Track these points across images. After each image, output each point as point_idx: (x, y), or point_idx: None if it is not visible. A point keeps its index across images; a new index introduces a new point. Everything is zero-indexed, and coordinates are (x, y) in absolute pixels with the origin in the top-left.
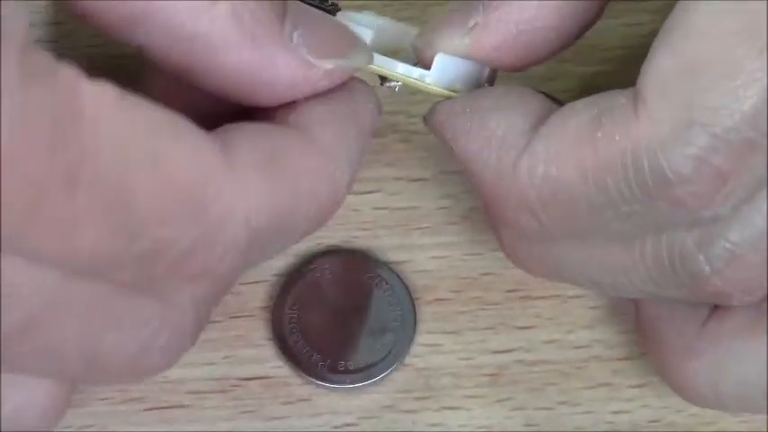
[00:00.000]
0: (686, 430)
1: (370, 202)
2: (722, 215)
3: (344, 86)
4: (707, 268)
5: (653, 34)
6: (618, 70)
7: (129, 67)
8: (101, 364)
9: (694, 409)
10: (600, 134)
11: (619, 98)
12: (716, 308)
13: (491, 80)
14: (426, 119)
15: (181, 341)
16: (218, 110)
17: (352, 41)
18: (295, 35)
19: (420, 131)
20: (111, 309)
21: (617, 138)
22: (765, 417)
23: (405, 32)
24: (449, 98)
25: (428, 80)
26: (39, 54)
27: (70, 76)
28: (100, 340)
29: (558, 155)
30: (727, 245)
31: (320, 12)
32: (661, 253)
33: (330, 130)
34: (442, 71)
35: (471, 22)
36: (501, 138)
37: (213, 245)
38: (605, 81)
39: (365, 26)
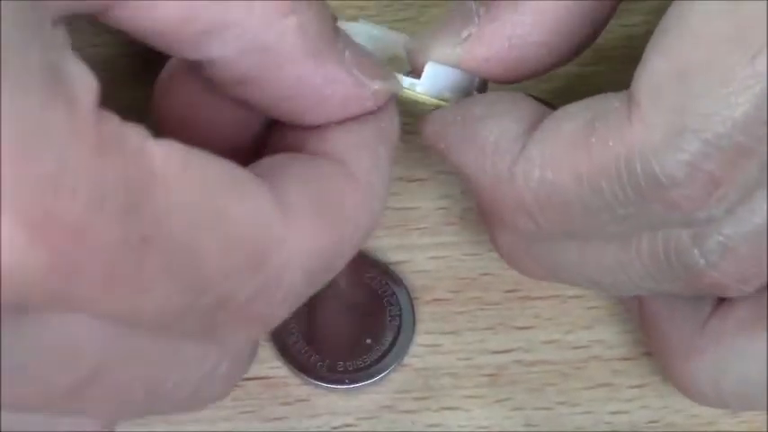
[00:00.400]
0: (685, 431)
1: None
2: (716, 216)
3: None
4: (702, 261)
5: (650, 34)
6: (615, 70)
7: (130, 66)
8: (163, 400)
9: (694, 410)
10: (594, 139)
11: (613, 102)
12: (717, 306)
13: (482, 88)
14: (421, 128)
15: (239, 369)
16: (245, 126)
17: (383, 65)
18: (347, 54)
19: (418, 132)
20: (175, 354)
21: (611, 143)
22: (765, 417)
23: (399, 41)
24: (439, 108)
25: (418, 89)
26: (109, 119)
27: (139, 138)
28: (164, 381)
29: (553, 159)
30: (721, 238)
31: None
32: (657, 248)
33: (366, 156)
34: (433, 80)
35: (465, 33)
36: (494, 144)
37: (273, 293)
38: (602, 81)
39: (358, 35)
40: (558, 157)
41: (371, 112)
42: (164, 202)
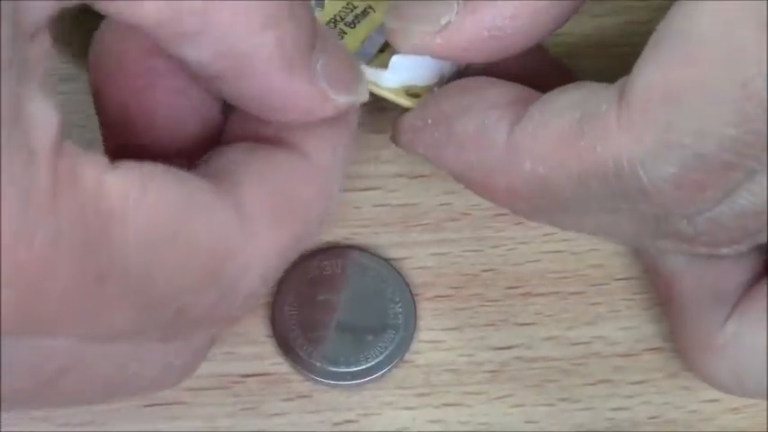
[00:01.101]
0: (686, 427)
1: (370, 199)
2: (702, 211)
3: None
4: (691, 230)
5: (651, 32)
6: (619, 67)
7: None
8: (121, 391)
9: (694, 406)
10: (583, 143)
11: (600, 104)
12: (737, 305)
13: (454, 75)
14: (393, 140)
15: (197, 360)
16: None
17: (359, 74)
18: (319, 64)
19: None
20: (137, 353)
21: (599, 149)
22: (766, 412)
23: None
24: (406, 109)
25: (387, 83)
26: (67, 155)
27: (95, 173)
28: (123, 375)
29: (543, 155)
30: (710, 215)
31: (343, 47)
32: (647, 220)
33: (326, 146)
34: (400, 71)
35: (444, 20)
36: (474, 138)
37: (233, 299)
38: (606, 79)
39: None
40: (548, 154)
41: None
42: (120, 236)
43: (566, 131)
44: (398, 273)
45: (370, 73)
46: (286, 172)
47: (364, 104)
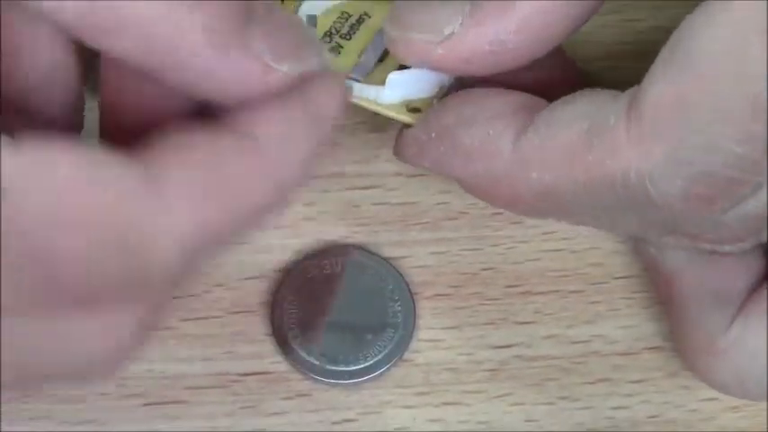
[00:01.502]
0: (686, 426)
1: (369, 197)
2: (710, 219)
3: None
4: (695, 229)
5: (652, 30)
6: (617, 66)
7: None
8: (35, 379)
9: (694, 405)
10: (591, 156)
11: (609, 116)
12: (741, 308)
13: (451, 87)
14: (397, 155)
15: (123, 352)
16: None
17: (307, 40)
18: (258, 38)
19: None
20: (51, 331)
21: (608, 162)
22: (766, 412)
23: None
24: (407, 125)
25: (385, 99)
26: None
27: None
28: (37, 362)
29: (551, 165)
30: (716, 217)
31: (285, 14)
32: (653, 222)
33: (276, 130)
34: (397, 88)
35: (448, 30)
36: (480, 148)
37: (145, 273)
38: (605, 77)
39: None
40: (555, 164)
41: (299, 89)
42: (13, 214)
43: (573, 143)
44: (397, 271)
45: (369, 91)
46: (225, 151)
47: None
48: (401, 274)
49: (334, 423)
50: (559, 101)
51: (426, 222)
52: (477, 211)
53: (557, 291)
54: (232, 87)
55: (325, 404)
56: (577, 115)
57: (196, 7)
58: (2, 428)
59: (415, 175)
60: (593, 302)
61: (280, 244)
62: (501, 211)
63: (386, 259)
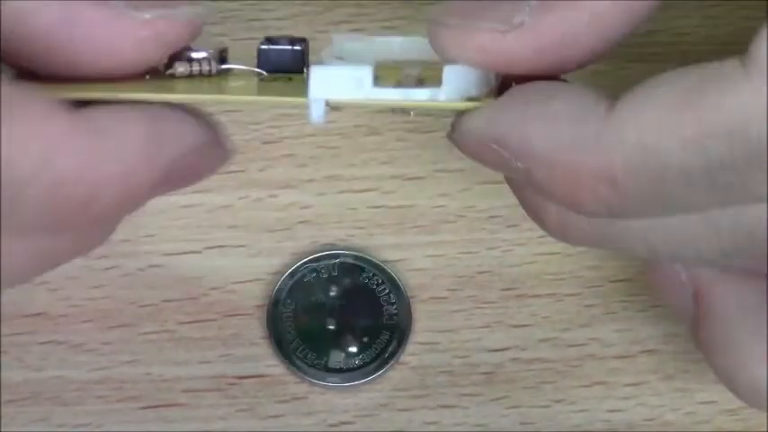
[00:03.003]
0: (682, 429)
1: (365, 200)
2: None
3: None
4: None
5: (652, 33)
6: (615, 68)
7: None
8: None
9: (690, 408)
10: (704, 101)
11: (722, 68)
12: None
13: (498, 83)
14: (456, 136)
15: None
16: None
17: None
18: None
19: (416, 130)
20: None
21: (725, 105)
22: (764, 414)
23: (401, 44)
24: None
25: (442, 97)
26: None
27: None
28: None
29: (653, 123)
30: None
31: None
32: (739, 227)
33: (125, 127)
34: (455, 83)
35: (517, 19)
36: (571, 113)
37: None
38: (607, 78)
39: (360, 49)
40: (659, 120)
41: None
42: None
43: (682, 93)
44: (394, 274)
45: (423, 94)
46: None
47: (359, 108)
48: (397, 277)
49: (330, 426)
50: (652, 78)
51: (423, 225)
52: (473, 215)
53: (553, 294)
54: (89, 43)
55: (322, 407)
56: (683, 73)
57: None
58: (2, 430)
59: (411, 179)
60: (588, 305)
61: (276, 247)
62: (497, 214)
63: (382, 262)
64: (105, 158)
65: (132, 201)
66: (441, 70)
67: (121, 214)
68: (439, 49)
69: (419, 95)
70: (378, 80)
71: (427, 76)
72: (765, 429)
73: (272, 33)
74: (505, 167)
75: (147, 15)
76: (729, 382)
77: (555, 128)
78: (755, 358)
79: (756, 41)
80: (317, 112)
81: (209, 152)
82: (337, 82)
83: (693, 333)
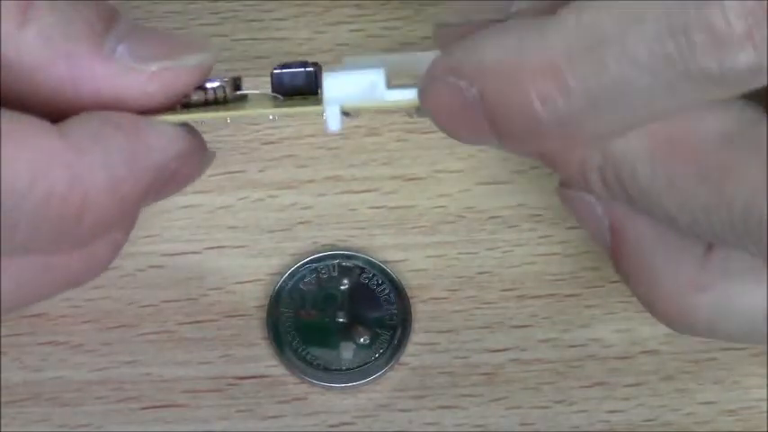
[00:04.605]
0: (682, 429)
1: (365, 201)
2: (762, 66)
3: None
4: None
5: None
6: None
7: None
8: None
9: (690, 408)
10: None
11: None
12: (714, 246)
13: None
14: (419, 92)
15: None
16: None
17: (189, 45)
18: (120, 47)
19: (415, 130)
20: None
21: None
22: (764, 415)
23: (415, 60)
24: None
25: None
26: None
27: None
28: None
29: (593, 3)
30: None
31: (155, 28)
32: (752, 213)
33: (88, 131)
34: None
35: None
36: (519, 25)
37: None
38: None
39: (373, 66)
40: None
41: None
42: None
43: None
44: (394, 275)
45: (396, 93)
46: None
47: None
48: (397, 278)
49: (330, 426)
50: None
51: (423, 226)
52: (473, 215)
53: (552, 294)
54: (96, 94)
55: (322, 407)
56: None
57: (24, 18)
58: (2, 430)
59: (411, 179)
60: (588, 306)
61: (276, 247)
62: (497, 215)
63: (382, 263)
64: (93, 169)
65: (123, 210)
66: None
67: (117, 226)
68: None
69: (392, 96)
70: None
71: None
72: (765, 429)
73: (272, 34)
74: (466, 113)
75: (154, 68)
76: (650, 309)
77: (504, 37)
78: (678, 288)
79: None
80: (333, 120)
81: (192, 157)
82: (351, 87)
83: (612, 260)
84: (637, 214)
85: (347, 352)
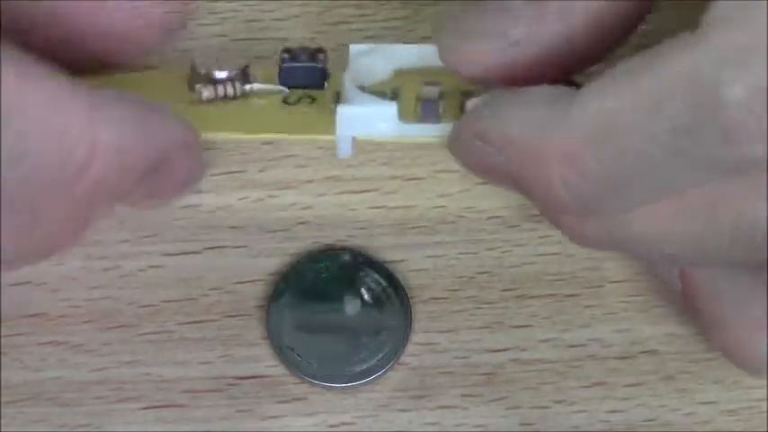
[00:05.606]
0: (682, 429)
1: (365, 201)
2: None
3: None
4: None
5: (653, 33)
6: None
7: None
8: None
9: (690, 408)
10: (656, 64)
11: (676, 36)
12: None
13: None
14: (448, 141)
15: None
16: None
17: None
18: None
19: None
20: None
21: (673, 63)
22: (764, 416)
23: (420, 52)
24: None
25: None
26: None
27: None
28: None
29: (611, 91)
30: None
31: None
32: (740, 227)
33: (103, 91)
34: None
35: (514, 34)
36: (543, 100)
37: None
38: None
39: (378, 62)
40: (616, 87)
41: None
42: None
43: (638, 60)
44: (394, 275)
45: (447, 128)
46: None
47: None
48: (397, 278)
49: (330, 426)
50: None
51: (423, 226)
52: (473, 215)
53: (552, 294)
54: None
55: (322, 407)
56: (641, 51)
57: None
58: (2, 430)
59: (411, 179)
60: (588, 306)
61: (276, 247)
62: (497, 215)
63: (382, 263)
64: (104, 123)
65: (122, 184)
66: (460, 80)
67: (108, 200)
68: (450, 67)
69: (444, 130)
70: (398, 97)
71: (448, 91)
72: (765, 430)
73: (272, 34)
74: (493, 170)
75: None
76: (727, 355)
77: (529, 112)
78: (747, 331)
79: (706, 12)
80: (344, 149)
81: (191, 156)
82: (364, 120)
83: (686, 308)
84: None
85: (347, 351)
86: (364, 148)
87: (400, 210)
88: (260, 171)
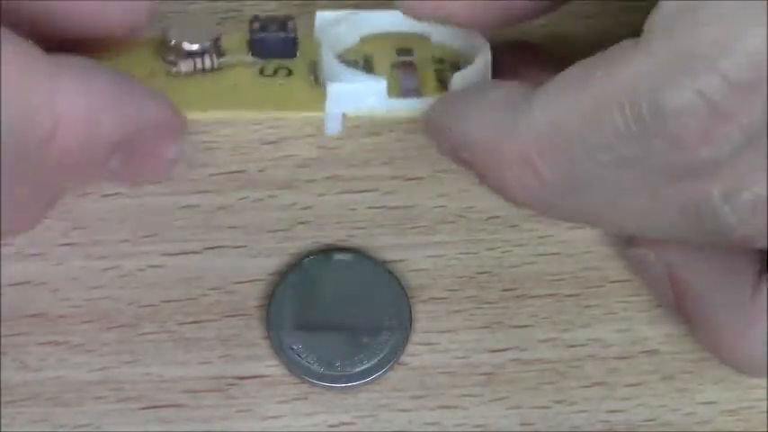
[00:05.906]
0: (682, 429)
1: (365, 200)
2: (721, 158)
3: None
4: (734, 218)
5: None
6: None
7: None
8: None
9: (690, 408)
10: (598, 73)
11: (619, 44)
12: (761, 278)
13: None
14: (420, 124)
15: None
16: None
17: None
18: None
19: (416, 130)
20: None
21: (615, 73)
22: (764, 415)
23: (386, 18)
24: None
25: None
26: None
27: None
28: None
29: (557, 101)
30: (752, 195)
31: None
32: (686, 205)
33: (77, 60)
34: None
35: None
36: (500, 103)
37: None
38: None
39: (348, 30)
40: (561, 97)
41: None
42: None
43: (582, 71)
44: (394, 275)
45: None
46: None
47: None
48: (397, 278)
49: (330, 426)
50: None
51: (423, 226)
52: (473, 215)
53: (552, 294)
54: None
55: (322, 407)
56: (590, 57)
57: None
58: (2, 430)
59: (411, 179)
60: (588, 306)
61: (276, 247)
62: (497, 215)
63: (382, 263)
64: (72, 93)
65: (91, 157)
66: (430, 47)
67: (78, 174)
68: (411, 13)
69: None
70: (372, 66)
71: (421, 58)
72: (765, 429)
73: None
74: (460, 161)
75: None
76: (720, 358)
77: (487, 113)
78: (730, 331)
79: (646, 22)
80: (333, 126)
81: (170, 135)
82: (354, 97)
83: (679, 314)
84: (691, 260)
85: (347, 351)
86: (365, 147)
87: (400, 210)
88: (260, 171)
